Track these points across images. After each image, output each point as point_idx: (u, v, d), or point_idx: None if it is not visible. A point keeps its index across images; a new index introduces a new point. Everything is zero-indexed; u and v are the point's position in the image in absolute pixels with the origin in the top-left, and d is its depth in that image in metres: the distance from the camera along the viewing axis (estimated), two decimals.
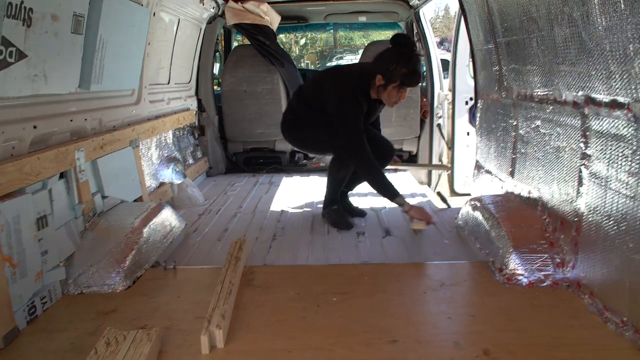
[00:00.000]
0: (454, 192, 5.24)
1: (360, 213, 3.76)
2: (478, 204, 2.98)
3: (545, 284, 2.36)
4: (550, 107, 2.54)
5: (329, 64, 13.95)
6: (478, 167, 3.79)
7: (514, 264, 2.43)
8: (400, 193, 3.11)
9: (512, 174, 3.10)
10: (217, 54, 5.97)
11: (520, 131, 2.96)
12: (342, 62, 13.58)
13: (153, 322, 2.08)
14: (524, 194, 2.89)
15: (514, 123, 3.05)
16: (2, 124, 2.16)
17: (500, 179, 3.30)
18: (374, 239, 3.25)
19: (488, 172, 3.55)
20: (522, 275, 2.40)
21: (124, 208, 2.98)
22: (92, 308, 2.21)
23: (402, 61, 3.03)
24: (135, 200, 3.43)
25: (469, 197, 3.69)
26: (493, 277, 2.48)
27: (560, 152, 2.47)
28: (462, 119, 5.06)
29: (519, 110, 2.98)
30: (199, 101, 5.41)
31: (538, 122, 2.71)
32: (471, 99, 4.97)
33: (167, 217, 3.08)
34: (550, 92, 2.51)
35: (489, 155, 3.53)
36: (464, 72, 4.99)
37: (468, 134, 5.09)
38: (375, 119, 3.65)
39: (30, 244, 2.12)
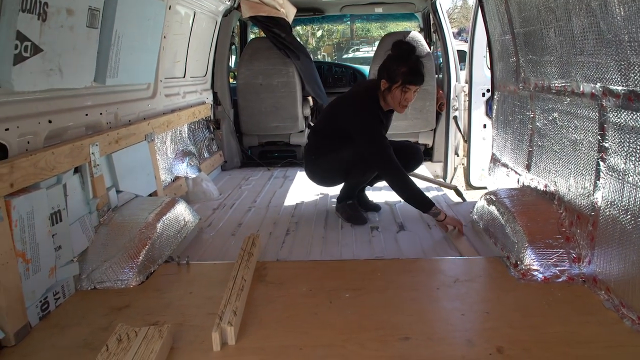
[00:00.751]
0: (470, 186, 5.20)
1: (375, 207, 3.73)
2: (493, 198, 2.93)
3: (560, 280, 2.32)
4: (568, 99, 2.48)
5: (345, 56, 13.91)
6: (494, 160, 3.74)
7: (529, 259, 2.38)
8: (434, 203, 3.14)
9: (528, 167, 3.05)
10: (233, 46, 5.97)
11: (537, 123, 2.91)
12: (359, 53, 13.54)
13: (165, 317, 2.08)
14: (541, 187, 2.84)
15: (531, 115, 2.99)
16: (18, 118, 2.19)
17: (516, 172, 3.24)
18: (388, 234, 3.23)
19: (504, 165, 3.50)
20: (537, 270, 2.36)
21: (138, 203, 3.00)
22: (105, 303, 2.22)
23: (401, 60, 3.08)
24: (149, 195, 3.44)
25: (484, 191, 3.65)
26: (508, 273, 2.44)
27: (577, 145, 2.42)
28: (479, 111, 5.01)
29: (536, 102, 2.92)
30: (215, 94, 5.42)
31: (555, 115, 2.65)
32: (488, 90, 4.92)
33: (181, 212, 3.09)
34: (568, 84, 2.45)
35: (506, 148, 3.48)
36: (481, 63, 4.93)
37: (485, 126, 5.04)
38: None
39: (44, 239, 2.14)
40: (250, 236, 2.83)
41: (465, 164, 5.22)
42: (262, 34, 5.62)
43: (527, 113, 3.05)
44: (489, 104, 5.03)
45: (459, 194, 4.12)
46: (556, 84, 2.60)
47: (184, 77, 4.54)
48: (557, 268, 2.34)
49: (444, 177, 5.53)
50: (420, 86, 3.15)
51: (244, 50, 5.65)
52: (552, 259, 2.37)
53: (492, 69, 3.74)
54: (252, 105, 5.47)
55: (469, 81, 4.94)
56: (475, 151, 5.08)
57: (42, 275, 2.13)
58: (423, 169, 5.30)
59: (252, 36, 6.78)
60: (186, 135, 4.47)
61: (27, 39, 2.08)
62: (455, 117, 5.32)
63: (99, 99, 2.91)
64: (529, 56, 2.91)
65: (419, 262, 2.68)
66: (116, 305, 2.21)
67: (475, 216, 3.18)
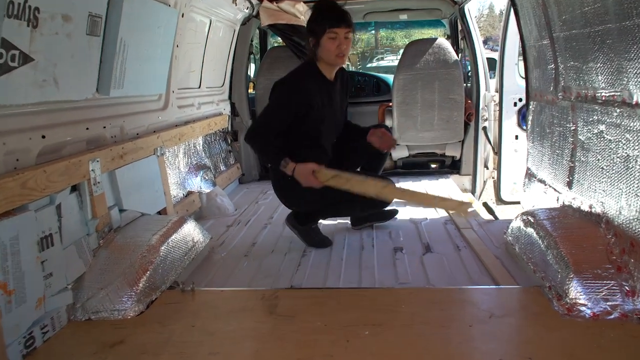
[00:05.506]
0: (500, 200, 4.89)
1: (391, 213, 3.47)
2: (531, 220, 2.64)
3: (612, 317, 2.02)
4: (618, 110, 2.19)
5: (369, 65, 13.70)
6: (529, 175, 3.44)
7: (576, 291, 2.09)
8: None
9: (569, 184, 2.75)
10: (252, 56, 5.78)
11: (580, 137, 2.62)
12: (383, 62, 13.31)
13: (162, 357, 1.85)
14: (585, 208, 2.54)
15: (572, 127, 2.70)
16: (4, 134, 1.99)
17: (555, 190, 2.95)
18: (413, 257, 2.96)
19: (541, 181, 3.20)
20: (584, 305, 2.06)
21: (143, 222, 2.79)
22: (97, 339, 2.00)
23: (317, 9, 2.95)
24: (159, 212, 3.25)
25: (519, 211, 3.37)
26: (550, 307, 2.14)
27: (629, 162, 2.13)
28: (510, 121, 4.71)
29: (578, 113, 2.63)
30: (232, 105, 5.22)
31: (602, 127, 2.36)
32: (520, 99, 4.64)
33: (189, 232, 2.87)
34: (618, 93, 2.17)
35: (542, 162, 3.19)
36: (513, 71, 4.64)
37: (517, 137, 4.74)
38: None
39: (31, 267, 1.93)
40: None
41: (496, 177, 4.92)
42: (282, 43, 5.43)
43: (568, 125, 2.76)
44: (521, 113, 4.75)
45: (489, 210, 3.82)
46: (603, 94, 2.31)
47: (199, 87, 4.35)
48: (608, 303, 2.05)
49: (472, 191, 5.22)
50: (350, 28, 2.85)
51: (262, 59, 5.46)
52: (601, 292, 2.07)
53: (526, 77, 3.45)
54: None
55: (500, 90, 4.65)
56: (506, 164, 4.77)
57: (28, 307, 1.92)
58: (450, 182, 5.04)
59: (276, 44, 6.58)
60: (201, 147, 4.27)
61: (14, 47, 1.89)
62: (484, 128, 5.03)
63: (102, 111, 2.72)
64: (570, 62, 2.63)
65: (449, 291, 2.40)
66: (109, 341, 1.97)
67: (510, 238, 2.89)
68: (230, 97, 5.19)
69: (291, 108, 2.89)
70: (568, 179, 2.76)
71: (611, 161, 2.28)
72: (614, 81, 2.18)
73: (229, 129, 5.11)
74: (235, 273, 2.83)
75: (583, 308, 2.06)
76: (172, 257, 2.60)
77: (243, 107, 5.29)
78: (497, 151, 4.79)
